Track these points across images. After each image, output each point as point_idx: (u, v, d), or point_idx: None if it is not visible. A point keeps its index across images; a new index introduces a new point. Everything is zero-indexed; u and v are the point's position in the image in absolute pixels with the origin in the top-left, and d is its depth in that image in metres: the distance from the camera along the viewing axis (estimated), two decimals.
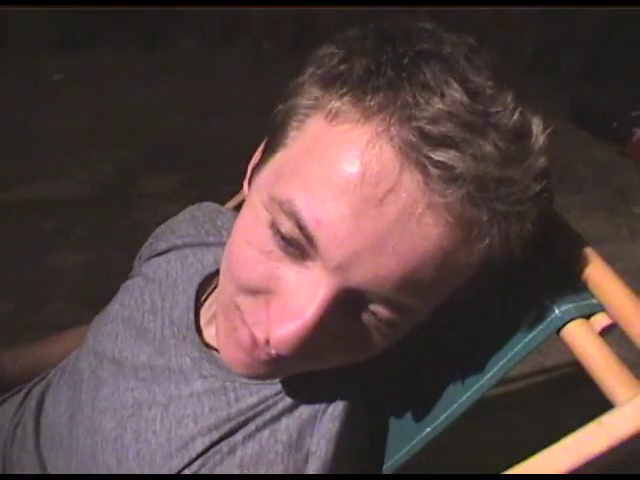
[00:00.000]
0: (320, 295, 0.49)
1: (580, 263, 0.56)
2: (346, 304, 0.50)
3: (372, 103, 0.47)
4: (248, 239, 0.53)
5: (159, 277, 0.78)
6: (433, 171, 0.45)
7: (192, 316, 0.72)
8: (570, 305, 0.53)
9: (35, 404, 0.81)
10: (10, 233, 2.09)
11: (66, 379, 0.80)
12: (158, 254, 0.82)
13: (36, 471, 0.75)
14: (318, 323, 0.49)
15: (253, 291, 0.53)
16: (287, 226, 0.49)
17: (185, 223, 0.84)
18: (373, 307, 0.51)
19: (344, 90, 0.49)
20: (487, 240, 0.48)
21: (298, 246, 0.50)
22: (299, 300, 0.50)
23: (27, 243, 2.07)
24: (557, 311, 0.53)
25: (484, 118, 0.47)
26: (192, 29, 3.00)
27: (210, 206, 0.87)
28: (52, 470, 0.74)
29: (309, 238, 0.48)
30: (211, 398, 0.65)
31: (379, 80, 0.48)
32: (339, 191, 0.47)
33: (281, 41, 2.51)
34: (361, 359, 0.57)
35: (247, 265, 0.53)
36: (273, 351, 0.52)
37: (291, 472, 0.60)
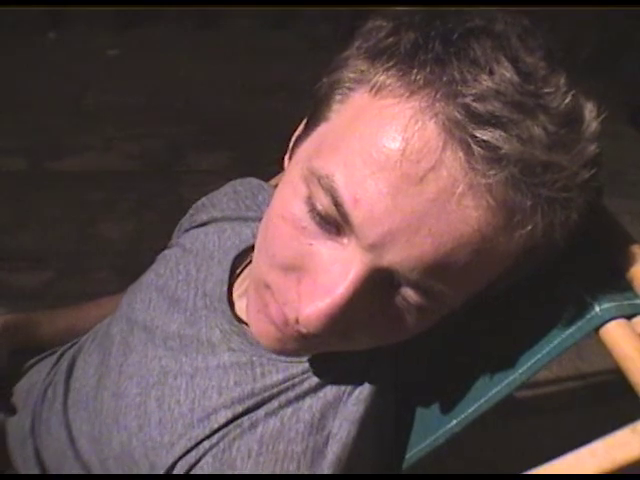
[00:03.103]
0: (352, 273, 0.48)
1: (626, 261, 0.53)
2: (377, 285, 0.49)
3: (418, 77, 0.46)
4: (283, 214, 0.52)
5: (196, 248, 0.79)
6: (477, 150, 0.43)
7: (225, 289, 0.72)
8: (612, 304, 0.51)
9: (66, 366, 0.82)
10: (58, 202, 2.13)
11: (97, 344, 0.81)
12: (197, 226, 0.83)
13: (61, 431, 0.77)
14: (348, 302, 0.48)
15: (286, 268, 0.52)
16: (324, 202, 0.48)
17: (226, 197, 0.84)
18: (403, 290, 0.50)
19: (390, 64, 0.48)
20: (529, 227, 0.46)
21: (333, 223, 0.49)
22: (331, 277, 0.49)
23: (74, 213, 2.10)
24: (597, 309, 0.51)
25: (534, 99, 0.45)
26: (247, 10, 3.00)
27: (252, 182, 0.86)
28: (75, 431, 0.75)
29: (344, 216, 0.47)
30: (237, 372, 0.65)
31: (426, 55, 0.46)
32: (379, 168, 0.45)
33: (338, 25, 2.50)
34: (391, 343, 0.56)
35: (281, 241, 0.52)
36: (303, 329, 0.51)
37: (310, 452, 0.60)
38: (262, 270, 0.55)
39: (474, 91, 0.44)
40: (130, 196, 2.16)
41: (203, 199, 0.87)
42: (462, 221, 0.45)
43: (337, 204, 0.47)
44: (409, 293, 0.49)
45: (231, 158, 2.17)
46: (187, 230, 0.84)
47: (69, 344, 0.89)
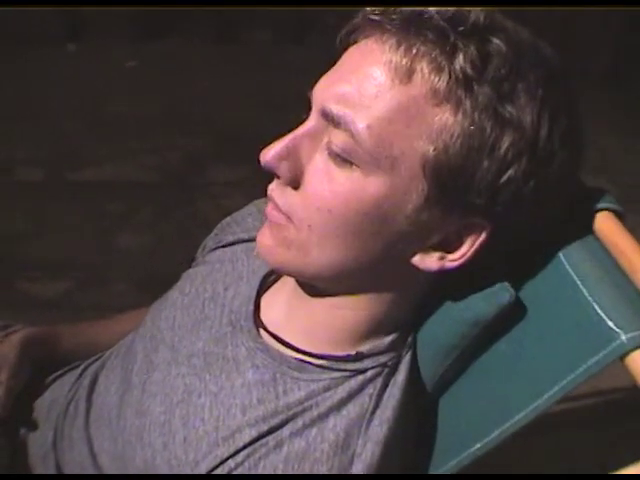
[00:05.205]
0: (306, 126, 0.62)
1: None
2: (318, 133, 0.61)
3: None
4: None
5: (225, 268, 0.80)
6: (388, 26, 0.58)
7: (252, 307, 0.73)
8: (638, 332, 0.51)
9: (89, 383, 0.83)
10: (76, 213, 2.14)
11: (120, 360, 0.82)
12: (223, 246, 0.84)
13: (83, 447, 0.78)
14: (293, 141, 0.62)
15: None
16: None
17: (251, 217, 0.85)
18: (333, 134, 0.59)
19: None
20: (407, 62, 0.56)
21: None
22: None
23: (92, 223, 2.12)
24: (623, 337, 0.51)
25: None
26: (267, 23, 3.02)
27: None
28: (97, 448, 0.76)
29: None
30: (260, 389, 0.66)
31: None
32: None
33: None
34: (331, 228, 0.61)
35: None
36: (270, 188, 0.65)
37: (335, 472, 0.60)
38: None
39: None
40: (148, 208, 2.17)
41: (227, 218, 0.88)
42: (362, 56, 0.60)
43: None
44: (335, 133, 0.59)
45: (248, 171, 2.15)
46: (213, 249, 0.85)
47: (91, 359, 0.90)
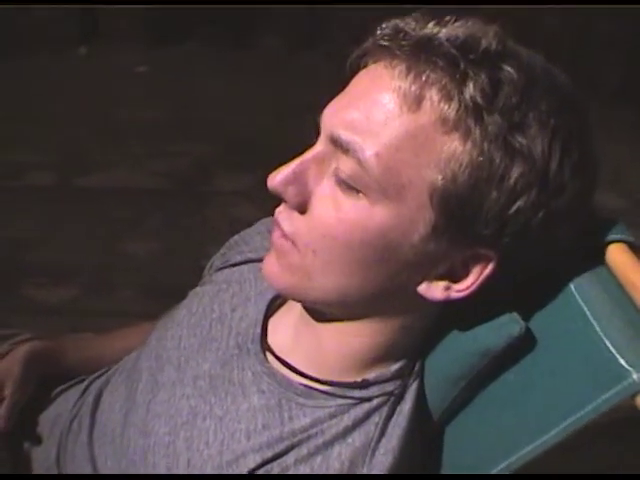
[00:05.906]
0: (313, 151, 0.62)
1: None
2: (325, 159, 0.61)
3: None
4: None
5: (232, 289, 0.80)
6: (397, 53, 0.57)
7: (259, 330, 0.73)
8: None
9: (93, 400, 0.83)
10: (83, 218, 2.15)
11: (124, 378, 0.82)
12: (231, 265, 0.83)
13: (86, 465, 0.78)
14: (299, 166, 0.61)
15: None
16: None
17: (259, 236, 0.84)
18: (341, 160, 0.59)
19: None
20: (414, 88, 0.56)
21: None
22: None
23: (99, 229, 2.12)
24: (635, 376, 0.50)
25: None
26: (278, 29, 3.03)
27: None
28: (100, 466, 0.77)
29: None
30: (265, 414, 0.66)
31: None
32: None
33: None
34: (332, 243, 0.60)
35: None
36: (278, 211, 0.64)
37: None
38: None
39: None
40: (155, 215, 2.17)
41: (235, 237, 0.87)
42: (371, 81, 0.60)
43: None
44: (343, 159, 0.59)
45: (257, 180, 2.16)
46: (220, 269, 0.85)
47: (96, 375, 0.90)
